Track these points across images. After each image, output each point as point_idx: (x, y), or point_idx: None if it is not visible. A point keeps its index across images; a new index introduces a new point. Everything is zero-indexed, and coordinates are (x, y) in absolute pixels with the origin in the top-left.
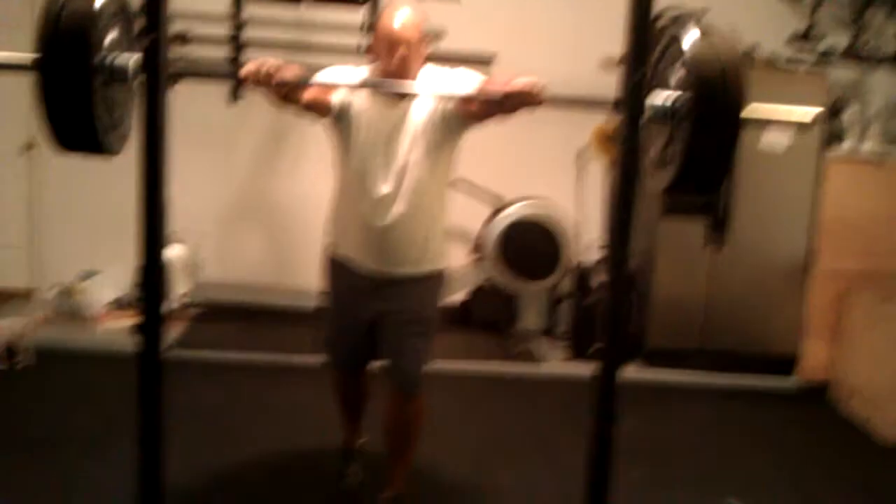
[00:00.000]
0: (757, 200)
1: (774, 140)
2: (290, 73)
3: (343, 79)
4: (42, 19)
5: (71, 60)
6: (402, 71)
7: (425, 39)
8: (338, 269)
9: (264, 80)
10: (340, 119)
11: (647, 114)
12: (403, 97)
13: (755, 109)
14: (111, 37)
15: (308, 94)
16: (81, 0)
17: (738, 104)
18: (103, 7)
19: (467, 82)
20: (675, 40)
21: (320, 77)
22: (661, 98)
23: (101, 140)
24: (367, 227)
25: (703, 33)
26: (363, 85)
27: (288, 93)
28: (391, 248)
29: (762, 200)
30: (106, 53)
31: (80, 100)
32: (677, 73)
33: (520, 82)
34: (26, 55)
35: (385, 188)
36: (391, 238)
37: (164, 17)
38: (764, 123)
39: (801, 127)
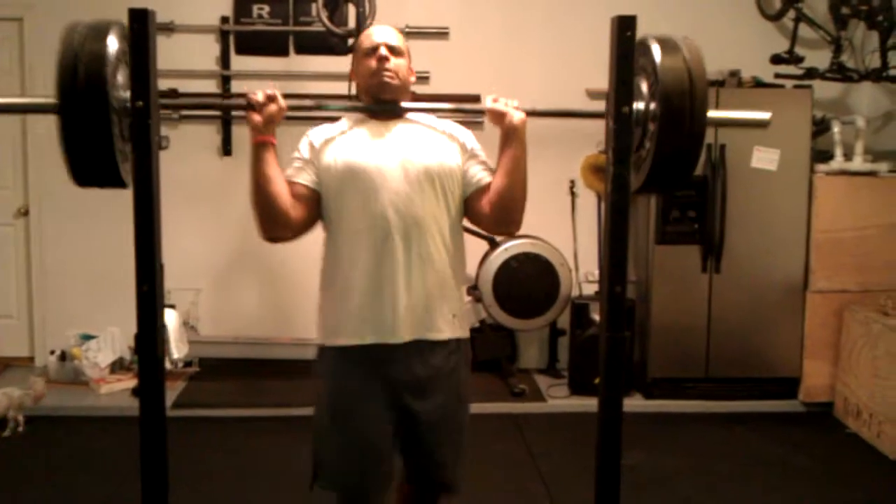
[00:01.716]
0: (750, 222)
1: (765, 157)
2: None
3: (305, 149)
4: (59, 65)
5: (88, 102)
6: (386, 76)
7: (410, 57)
8: (344, 360)
9: (262, 104)
10: (322, 181)
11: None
12: (394, 115)
13: (717, 113)
14: (122, 75)
15: (296, 206)
16: (94, 44)
17: (702, 108)
18: (116, 50)
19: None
20: (645, 51)
21: (292, 175)
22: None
23: (119, 173)
24: (392, 272)
25: (670, 45)
26: (348, 109)
27: (277, 215)
28: (427, 296)
29: (755, 222)
30: (120, 92)
31: (98, 137)
32: (646, 83)
33: (500, 106)
34: (49, 100)
35: (398, 214)
36: (423, 280)
37: (153, 85)
38: (725, 123)
39: (759, 125)
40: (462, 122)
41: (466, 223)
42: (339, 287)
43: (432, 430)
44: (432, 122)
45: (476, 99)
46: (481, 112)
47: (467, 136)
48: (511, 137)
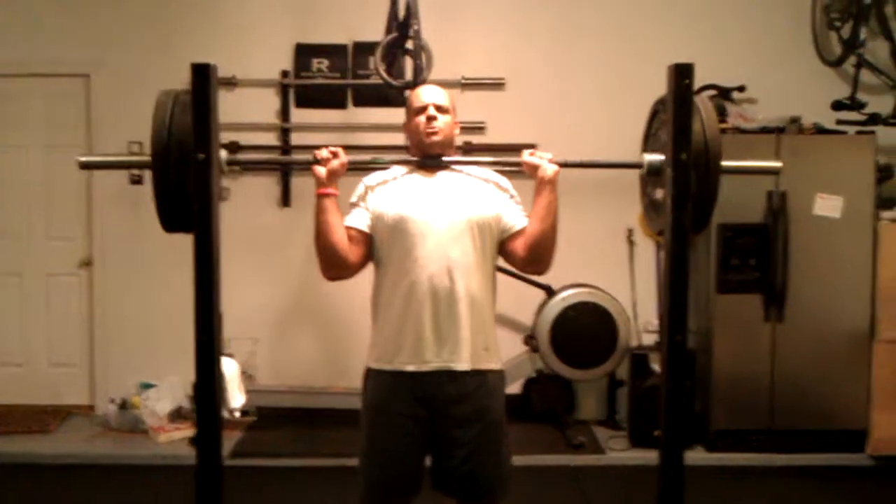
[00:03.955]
0: (814, 270)
1: (828, 204)
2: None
3: (361, 198)
4: (154, 130)
5: (176, 159)
6: (432, 137)
7: (454, 112)
8: (380, 379)
9: (326, 161)
10: (375, 227)
11: (644, 169)
12: (439, 167)
13: (729, 163)
14: None
15: (353, 249)
16: (181, 115)
17: (716, 158)
18: None
19: (515, 213)
20: (665, 107)
21: (349, 220)
22: (654, 157)
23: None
24: (427, 310)
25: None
26: (394, 163)
27: (338, 259)
28: (455, 332)
29: (819, 270)
30: None
31: (183, 188)
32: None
33: (534, 159)
34: (145, 157)
35: (437, 257)
36: (453, 318)
37: (214, 138)
38: (738, 171)
39: (772, 173)
40: (506, 172)
41: (503, 264)
42: (381, 317)
43: (471, 456)
44: (474, 171)
45: (531, 148)
46: (518, 164)
47: (505, 184)
48: (544, 187)
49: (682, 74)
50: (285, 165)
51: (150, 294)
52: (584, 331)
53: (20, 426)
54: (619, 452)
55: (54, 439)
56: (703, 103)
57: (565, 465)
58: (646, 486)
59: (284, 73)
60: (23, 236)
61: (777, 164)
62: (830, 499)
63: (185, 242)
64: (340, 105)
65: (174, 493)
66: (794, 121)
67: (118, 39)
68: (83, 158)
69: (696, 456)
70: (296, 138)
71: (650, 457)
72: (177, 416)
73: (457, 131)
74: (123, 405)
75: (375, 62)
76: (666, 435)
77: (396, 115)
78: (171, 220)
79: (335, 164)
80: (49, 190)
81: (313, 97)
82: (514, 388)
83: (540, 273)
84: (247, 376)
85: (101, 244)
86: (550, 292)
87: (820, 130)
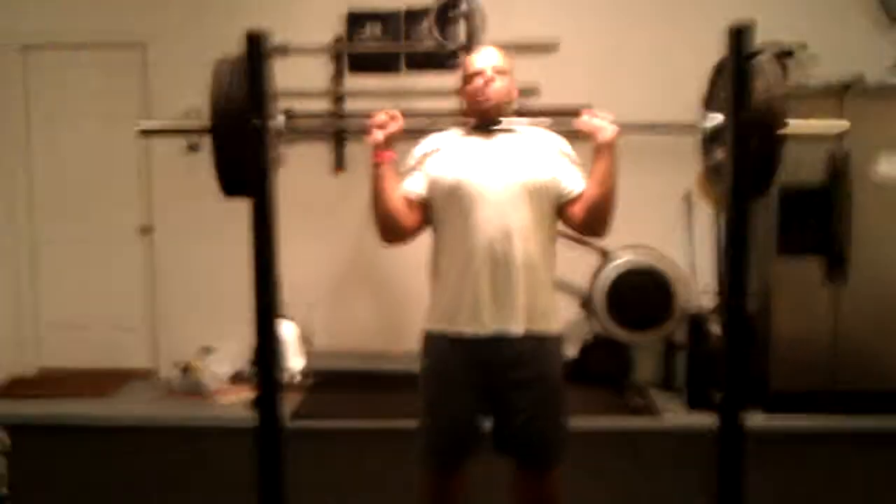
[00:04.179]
0: (877, 232)
1: (892, 165)
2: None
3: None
4: (212, 97)
5: (234, 125)
6: (485, 103)
7: (512, 74)
8: (443, 344)
9: (383, 126)
10: (431, 191)
11: (704, 131)
12: (496, 131)
13: (793, 125)
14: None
15: (410, 214)
16: (241, 84)
17: (779, 119)
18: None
19: (573, 177)
20: (726, 67)
21: (406, 185)
22: (714, 118)
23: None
24: (484, 274)
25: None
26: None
27: (395, 222)
28: (513, 296)
29: (883, 232)
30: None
31: (240, 154)
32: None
33: (594, 122)
34: (203, 123)
35: (495, 219)
36: (511, 282)
37: (268, 104)
38: (801, 133)
39: (836, 134)
40: (563, 135)
41: (561, 227)
42: (439, 281)
43: (529, 420)
44: (531, 134)
45: (586, 109)
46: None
47: (563, 146)
48: (603, 151)
49: (742, 33)
50: (340, 131)
51: (209, 260)
52: (641, 294)
53: (82, 389)
54: (675, 415)
55: (116, 402)
56: (766, 63)
57: (622, 429)
58: (703, 449)
59: (338, 40)
60: (84, 204)
61: (842, 124)
62: (891, 461)
63: (243, 208)
64: (394, 69)
65: (234, 455)
66: (858, 79)
67: (173, 8)
68: (143, 125)
69: (755, 419)
70: (350, 104)
71: (708, 420)
72: (237, 379)
73: (514, 94)
74: (186, 369)
75: (429, 25)
76: (725, 398)
77: (450, 78)
78: (230, 186)
79: (392, 128)
80: (108, 159)
81: (366, 62)
82: (570, 351)
83: (598, 236)
84: (304, 340)
85: (161, 211)
86: (607, 255)
87: (884, 88)
